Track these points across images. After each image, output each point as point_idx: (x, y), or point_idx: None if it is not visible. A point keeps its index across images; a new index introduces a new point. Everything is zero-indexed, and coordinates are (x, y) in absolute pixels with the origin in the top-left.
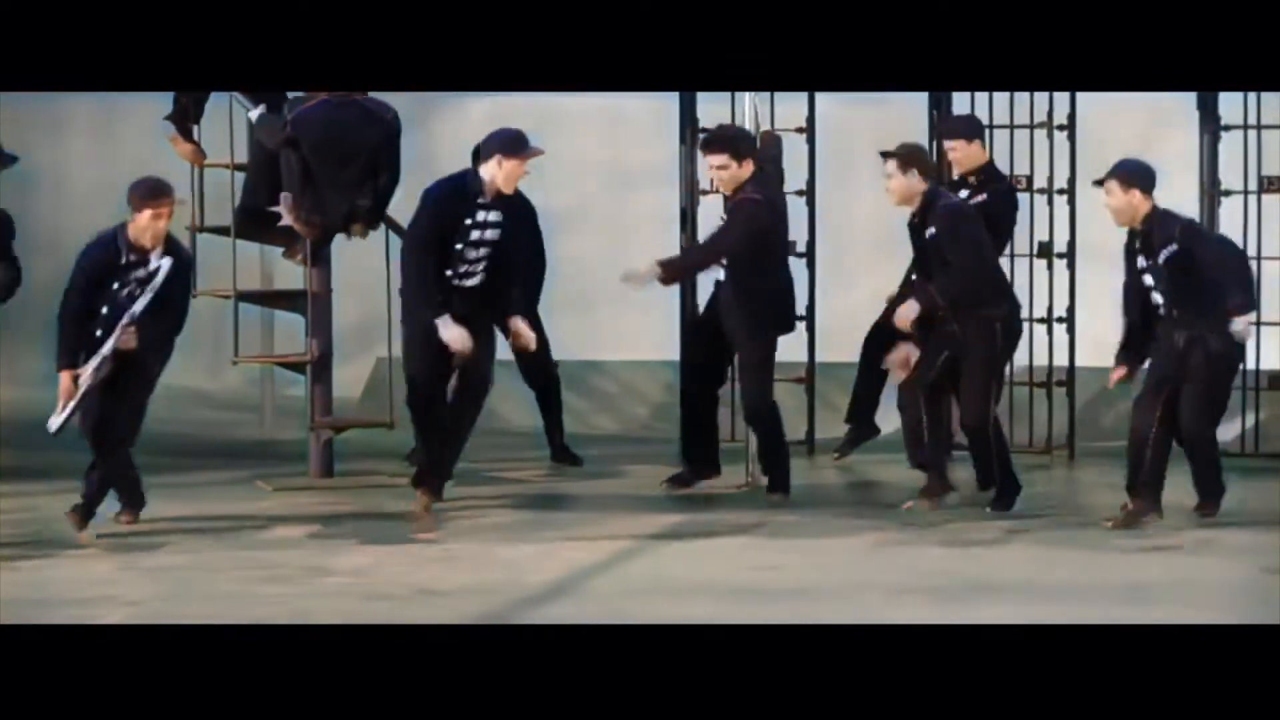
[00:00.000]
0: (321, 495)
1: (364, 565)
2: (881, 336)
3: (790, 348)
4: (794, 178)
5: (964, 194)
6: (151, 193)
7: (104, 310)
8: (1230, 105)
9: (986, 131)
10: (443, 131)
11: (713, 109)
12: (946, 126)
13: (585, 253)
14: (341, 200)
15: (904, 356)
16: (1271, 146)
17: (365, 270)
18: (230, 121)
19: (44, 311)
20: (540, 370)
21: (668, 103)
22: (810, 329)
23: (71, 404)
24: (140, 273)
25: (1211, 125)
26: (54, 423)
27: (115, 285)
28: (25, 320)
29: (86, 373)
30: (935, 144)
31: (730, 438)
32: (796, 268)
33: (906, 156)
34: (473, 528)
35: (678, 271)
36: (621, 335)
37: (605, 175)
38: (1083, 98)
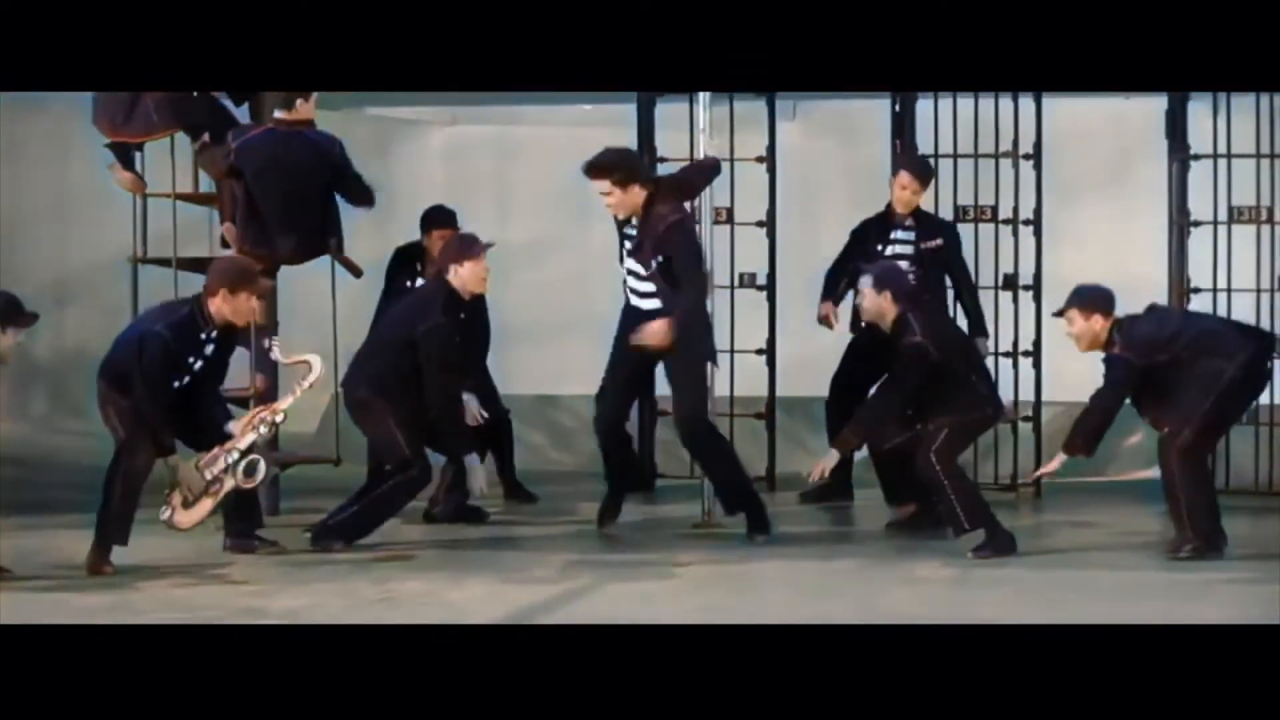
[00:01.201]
0: (265, 533)
1: (299, 607)
2: (846, 393)
3: (750, 382)
4: (754, 208)
5: (908, 237)
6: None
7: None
8: (1199, 134)
9: (949, 162)
10: (402, 159)
11: (670, 137)
12: (910, 160)
13: (545, 284)
14: (286, 232)
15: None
16: (1241, 176)
17: (320, 302)
18: (172, 150)
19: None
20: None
21: (628, 130)
22: (770, 363)
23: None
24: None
25: (1180, 154)
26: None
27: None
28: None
29: (218, 467)
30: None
31: (690, 474)
32: (756, 301)
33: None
34: (418, 567)
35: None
36: (580, 368)
37: (564, 205)
38: (1048, 126)
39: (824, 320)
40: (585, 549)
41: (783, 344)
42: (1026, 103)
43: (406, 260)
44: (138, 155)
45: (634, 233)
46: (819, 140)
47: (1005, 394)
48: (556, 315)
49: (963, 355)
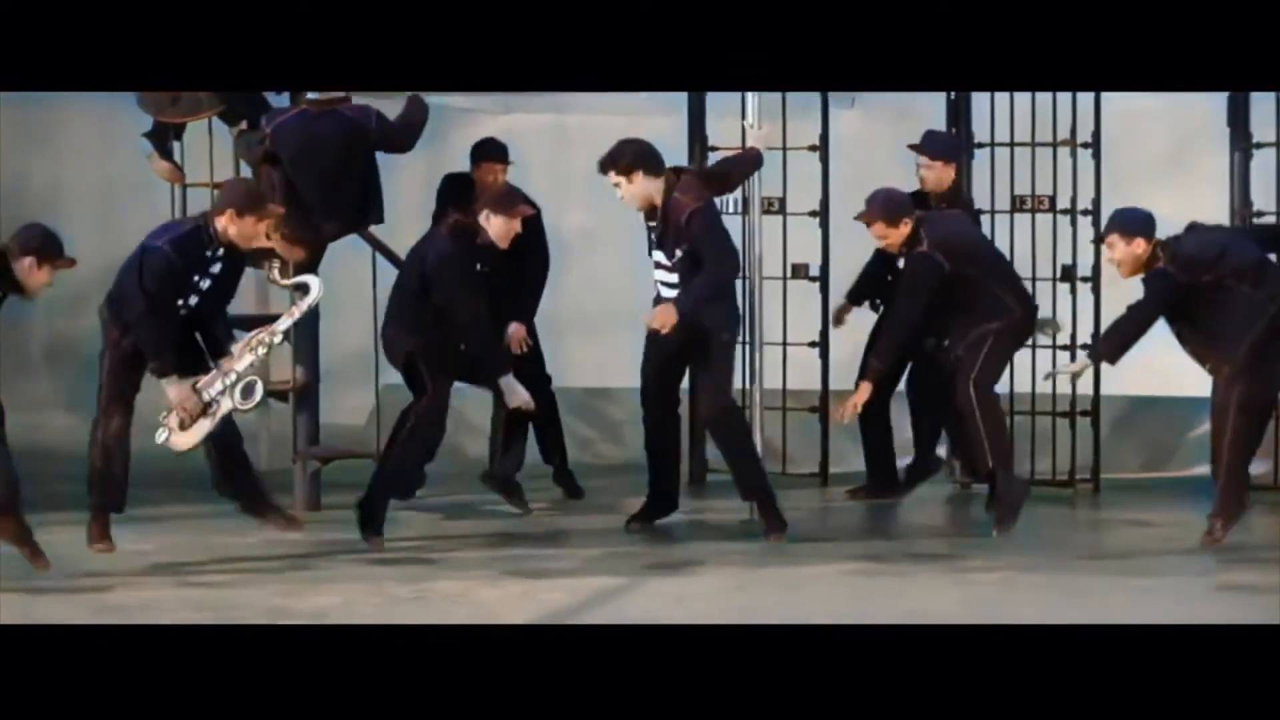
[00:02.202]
0: (305, 529)
1: (328, 606)
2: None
3: (803, 375)
4: (807, 198)
5: None
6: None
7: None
8: (1263, 123)
9: (1005, 151)
10: (455, 149)
11: (723, 125)
12: (925, 143)
13: (596, 276)
14: (328, 214)
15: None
16: None
17: (362, 290)
18: (210, 139)
19: (42, 334)
20: (534, 385)
21: (683, 118)
22: (824, 356)
23: (208, 423)
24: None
25: (1243, 143)
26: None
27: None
28: (25, 343)
29: (215, 389)
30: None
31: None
32: (809, 292)
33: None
34: (456, 564)
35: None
36: (632, 361)
37: (616, 197)
38: (1107, 114)
39: (835, 318)
40: (625, 544)
41: (836, 336)
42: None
43: (456, 188)
44: (176, 145)
45: (655, 224)
46: (879, 129)
47: (1063, 388)
48: (609, 307)
49: (981, 265)
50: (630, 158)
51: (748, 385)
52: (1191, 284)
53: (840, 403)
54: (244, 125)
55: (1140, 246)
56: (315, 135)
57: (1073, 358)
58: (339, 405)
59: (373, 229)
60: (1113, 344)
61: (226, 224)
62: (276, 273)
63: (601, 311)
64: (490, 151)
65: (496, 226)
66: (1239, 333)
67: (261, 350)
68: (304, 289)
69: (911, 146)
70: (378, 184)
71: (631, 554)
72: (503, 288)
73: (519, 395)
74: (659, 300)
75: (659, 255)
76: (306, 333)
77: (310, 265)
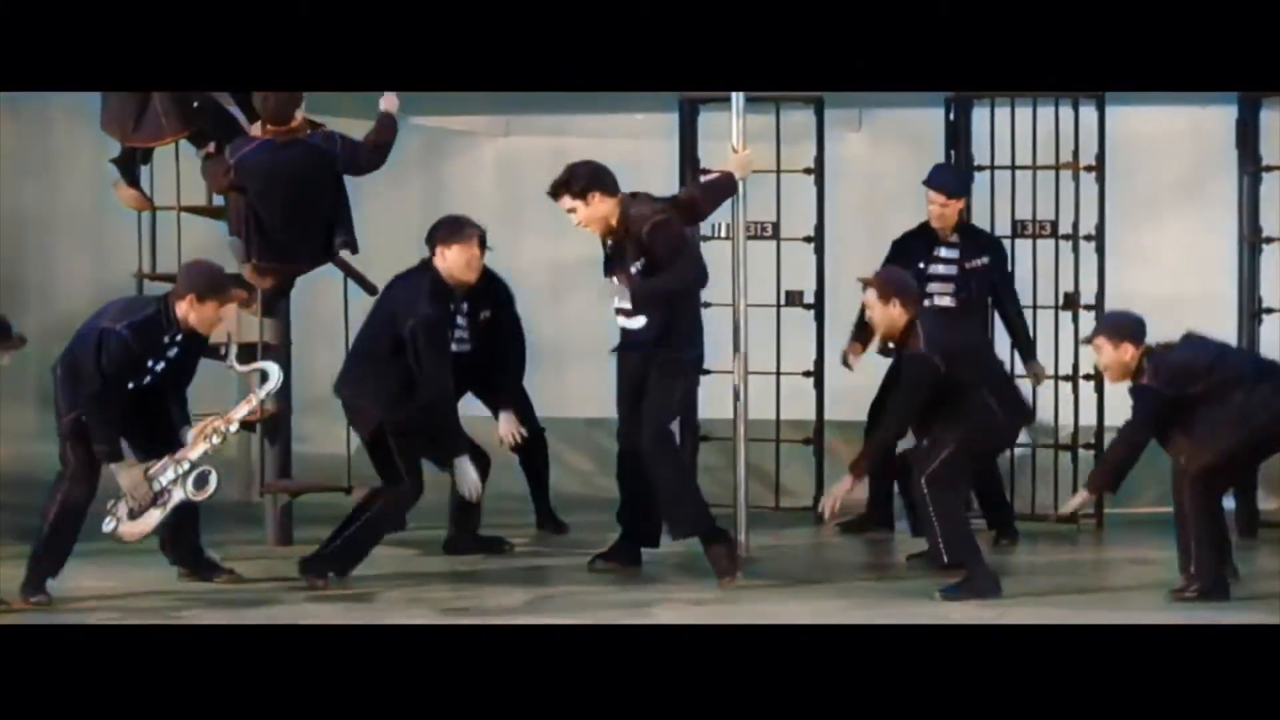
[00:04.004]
0: (275, 564)
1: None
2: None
3: (797, 405)
4: (802, 223)
5: (952, 255)
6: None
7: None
8: (1271, 145)
9: (1006, 173)
10: (453, 172)
11: (716, 147)
12: (933, 175)
13: (596, 304)
14: (297, 245)
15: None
16: None
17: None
18: (177, 161)
19: (36, 363)
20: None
21: (665, 142)
22: (818, 386)
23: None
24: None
25: (1251, 166)
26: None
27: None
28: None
29: (167, 477)
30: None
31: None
32: (803, 320)
33: (881, 285)
34: (426, 603)
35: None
36: None
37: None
38: (1115, 139)
39: (844, 359)
40: (609, 582)
41: (831, 366)
42: (1088, 112)
43: None
44: (144, 169)
45: (611, 242)
46: (886, 151)
47: (1065, 419)
48: (608, 336)
49: (975, 369)
50: (585, 179)
51: (732, 415)
52: (1178, 397)
53: (836, 437)
54: (211, 147)
55: (1128, 353)
56: (280, 166)
57: (1074, 388)
58: (318, 434)
59: (348, 257)
60: (1109, 473)
61: (187, 310)
62: (233, 358)
63: (601, 341)
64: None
65: (454, 259)
66: (1227, 436)
67: (216, 439)
68: (264, 376)
69: (924, 183)
70: (348, 212)
71: (614, 594)
72: (478, 365)
73: (470, 481)
74: (624, 338)
75: (618, 296)
76: (279, 363)
77: (281, 294)
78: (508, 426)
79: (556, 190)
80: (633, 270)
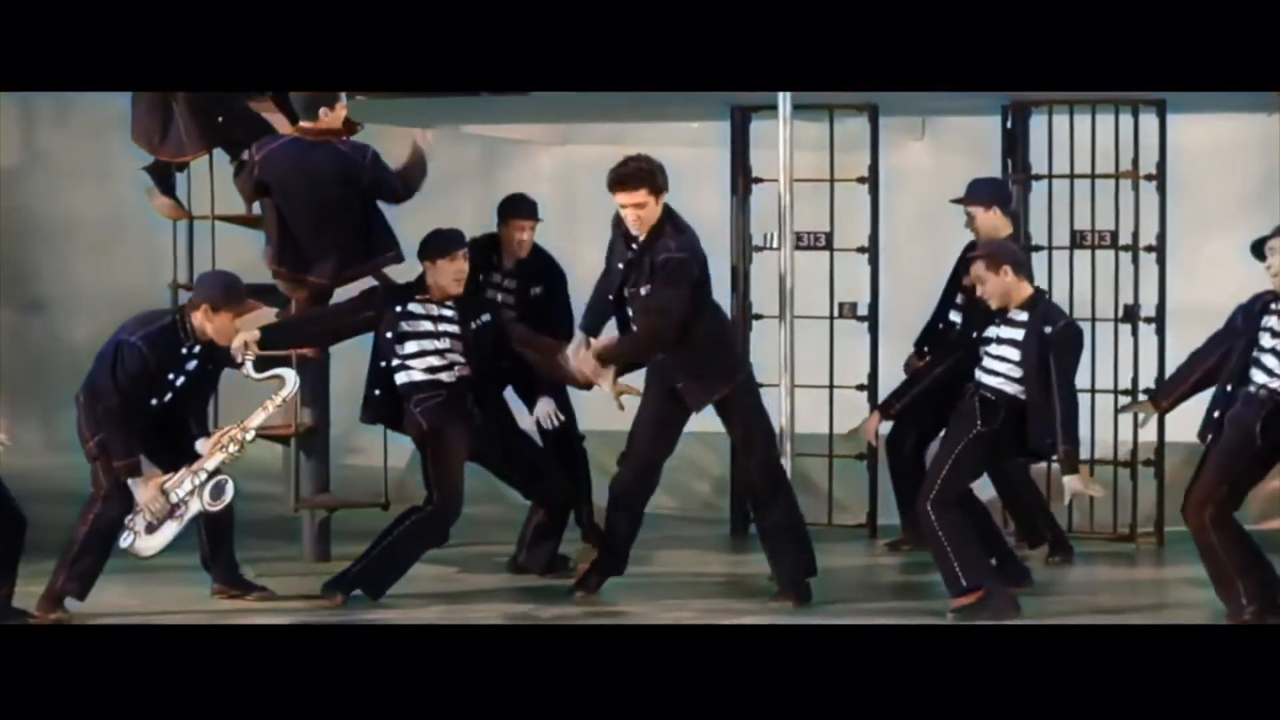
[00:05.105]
0: (311, 580)
1: None
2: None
3: (852, 420)
4: (856, 233)
5: None
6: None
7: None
8: None
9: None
10: (511, 182)
11: (765, 155)
12: (968, 190)
13: None
14: (322, 253)
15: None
16: None
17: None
18: (211, 170)
19: (42, 375)
20: (564, 444)
21: (721, 151)
22: (872, 399)
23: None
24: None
25: None
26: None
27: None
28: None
29: (184, 489)
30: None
31: None
32: (858, 332)
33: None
34: (457, 621)
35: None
36: None
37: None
38: (1184, 148)
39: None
40: (650, 597)
41: (886, 378)
42: (1148, 120)
43: (480, 253)
44: (179, 176)
45: (633, 253)
46: (949, 160)
47: (1124, 435)
48: None
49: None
50: (662, 177)
51: (781, 430)
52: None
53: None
54: (245, 155)
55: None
56: (306, 164)
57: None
58: (372, 446)
59: (390, 269)
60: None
61: (202, 320)
62: (250, 367)
63: None
64: (518, 209)
65: (440, 272)
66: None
67: (233, 448)
68: (281, 382)
69: (954, 201)
70: (383, 222)
71: (651, 612)
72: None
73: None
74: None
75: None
76: (317, 375)
77: (322, 303)
78: (545, 408)
79: (630, 181)
80: (642, 292)
